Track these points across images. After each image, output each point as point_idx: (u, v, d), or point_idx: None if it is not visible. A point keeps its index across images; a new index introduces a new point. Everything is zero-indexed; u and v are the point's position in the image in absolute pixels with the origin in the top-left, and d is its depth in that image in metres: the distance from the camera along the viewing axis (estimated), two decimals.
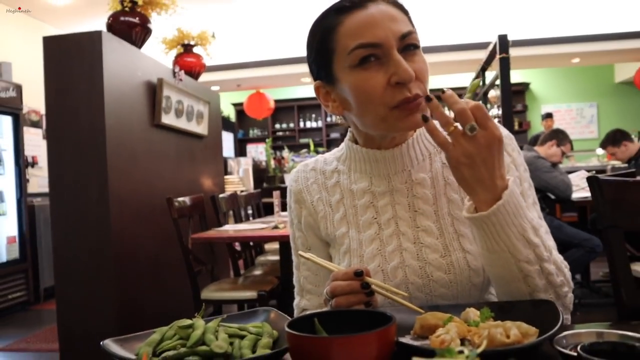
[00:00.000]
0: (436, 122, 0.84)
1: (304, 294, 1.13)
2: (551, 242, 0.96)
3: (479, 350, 0.51)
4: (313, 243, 1.11)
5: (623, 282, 1.12)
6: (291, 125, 11.00)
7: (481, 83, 3.99)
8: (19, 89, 4.84)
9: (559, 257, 0.92)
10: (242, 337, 0.75)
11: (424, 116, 0.83)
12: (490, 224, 0.82)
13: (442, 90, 0.82)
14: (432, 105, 0.83)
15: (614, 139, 4.60)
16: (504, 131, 1.02)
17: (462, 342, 0.69)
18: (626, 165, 4.69)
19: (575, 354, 0.58)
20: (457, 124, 0.80)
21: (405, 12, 0.95)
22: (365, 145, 1.04)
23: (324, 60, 0.97)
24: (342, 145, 1.12)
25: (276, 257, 3.83)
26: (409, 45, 0.91)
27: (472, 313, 0.76)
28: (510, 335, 0.65)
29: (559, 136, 4.06)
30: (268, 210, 4.90)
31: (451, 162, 0.82)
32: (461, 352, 0.47)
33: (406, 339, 0.74)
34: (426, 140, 1.04)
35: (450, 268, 0.95)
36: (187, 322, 0.75)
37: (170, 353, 0.70)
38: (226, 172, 7.01)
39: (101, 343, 0.73)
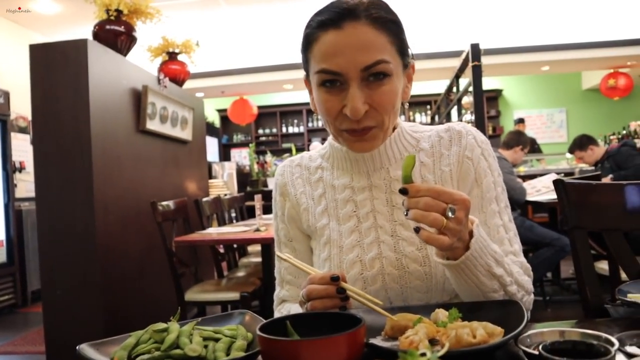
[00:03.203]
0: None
1: (283, 285, 1.16)
2: (517, 246, 1.04)
3: (441, 352, 0.51)
4: (295, 235, 1.15)
5: (587, 280, 1.15)
6: (274, 130, 11.09)
7: (455, 89, 4.13)
8: (6, 95, 4.90)
9: (518, 270, 0.96)
10: (216, 340, 0.75)
11: (415, 228, 0.80)
12: (460, 269, 0.85)
13: (405, 213, 0.81)
14: (423, 235, 0.80)
15: (580, 144, 4.78)
16: (481, 136, 1.08)
17: (431, 342, 0.70)
18: (593, 168, 4.87)
19: (537, 352, 0.59)
20: (443, 218, 0.78)
21: (388, 30, 0.93)
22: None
23: (305, 64, 1.02)
24: (326, 143, 1.16)
25: (259, 259, 3.90)
26: (374, 74, 0.92)
27: (442, 314, 0.78)
28: (476, 335, 0.67)
29: (521, 139, 4.26)
30: (251, 213, 4.99)
31: (447, 248, 0.81)
32: (423, 354, 0.48)
33: (377, 340, 0.74)
34: (404, 140, 1.08)
35: (426, 261, 0.98)
36: (162, 325, 0.75)
37: (145, 357, 0.70)
38: (211, 177, 7.08)
39: (77, 347, 0.71)
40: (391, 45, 0.93)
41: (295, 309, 1.09)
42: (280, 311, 1.15)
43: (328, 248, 1.06)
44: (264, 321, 0.70)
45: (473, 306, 0.85)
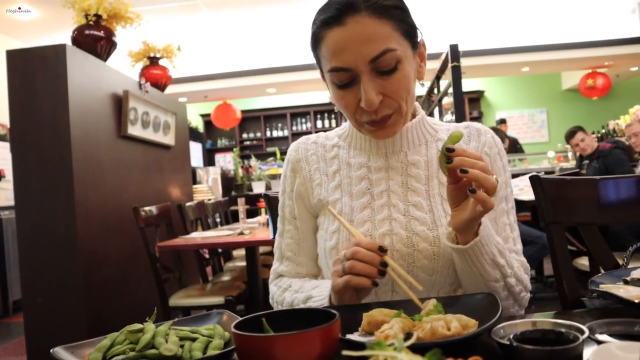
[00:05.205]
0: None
1: (282, 261, 1.18)
2: (519, 246, 1.08)
3: (408, 342, 0.52)
4: (300, 213, 1.15)
5: (565, 275, 1.15)
6: (258, 134, 11.08)
7: (436, 91, 4.16)
8: None
9: (518, 265, 1.00)
10: (193, 340, 0.74)
11: (470, 189, 0.83)
12: (467, 255, 0.90)
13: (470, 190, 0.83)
14: (480, 196, 0.83)
15: (580, 127, 4.87)
16: (496, 137, 1.13)
17: (407, 336, 0.70)
18: (573, 166, 4.93)
19: (508, 342, 0.60)
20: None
21: (391, 16, 0.92)
22: None
23: (316, 62, 1.03)
24: (345, 124, 1.17)
25: (244, 263, 3.90)
26: (383, 64, 0.92)
27: (432, 304, 0.79)
28: (451, 328, 0.68)
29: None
30: (236, 217, 4.97)
31: (488, 210, 0.84)
32: (391, 344, 0.48)
33: (354, 336, 0.75)
34: (424, 129, 1.11)
35: (436, 241, 1.00)
36: (138, 326, 0.75)
37: (119, 357, 0.69)
38: (195, 182, 7.04)
39: (51, 351, 0.70)
40: (396, 31, 0.93)
41: (295, 283, 1.11)
42: (277, 284, 1.16)
43: (338, 221, 1.05)
44: (239, 318, 0.70)
45: (450, 300, 0.86)
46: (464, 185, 0.86)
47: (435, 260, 1.00)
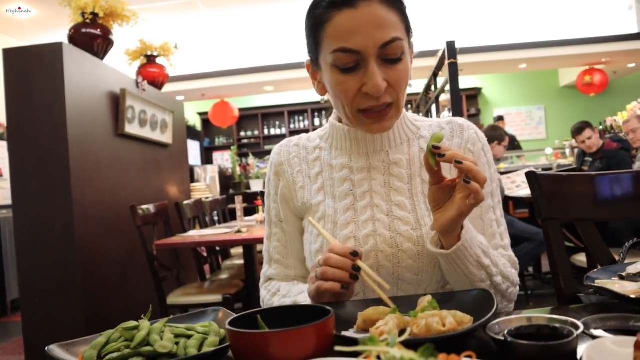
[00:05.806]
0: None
1: (271, 264, 1.17)
2: (507, 240, 1.08)
3: (402, 338, 0.53)
4: (286, 216, 1.15)
5: (561, 271, 1.15)
6: (256, 132, 11.08)
7: (433, 88, 4.16)
8: None
9: (504, 262, 1.01)
10: (189, 337, 0.74)
11: (465, 179, 0.83)
12: (452, 259, 0.90)
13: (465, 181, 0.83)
14: (474, 186, 0.83)
15: (588, 123, 4.79)
16: (480, 132, 1.12)
17: (403, 332, 0.72)
18: (571, 162, 4.92)
19: (503, 338, 0.61)
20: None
21: (398, 9, 0.95)
22: (348, 124, 1.08)
23: (313, 47, 1.01)
24: (326, 125, 1.16)
25: (242, 261, 3.90)
26: (390, 52, 0.93)
27: (427, 301, 0.79)
28: (446, 324, 0.68)
29: (495, 134, 4.26)
30: (234, 215, 4.96)
31: (479, 202, 0.84)
32: (385, 340, 0.48)
33: (349, 333, 0.74)
34: (406, 127, 1.10)
35: (420, 240, 1.00)
36: (133, 323, 0.75)
37: (114, 355, 0.69)
38: (193, 180, 7.03)
39: (46, 348, 0.70)
40: (401, 23, 0.95)
41: (283, 287, 1.11)
42: (267, 288, 1.16)
43: (322, 223, 1.06)
44: (234, 315, 0.69)
45: (445, 296, 0.86)
46: (447, 186, 0.87)
47: (420, 260, 1.00)
